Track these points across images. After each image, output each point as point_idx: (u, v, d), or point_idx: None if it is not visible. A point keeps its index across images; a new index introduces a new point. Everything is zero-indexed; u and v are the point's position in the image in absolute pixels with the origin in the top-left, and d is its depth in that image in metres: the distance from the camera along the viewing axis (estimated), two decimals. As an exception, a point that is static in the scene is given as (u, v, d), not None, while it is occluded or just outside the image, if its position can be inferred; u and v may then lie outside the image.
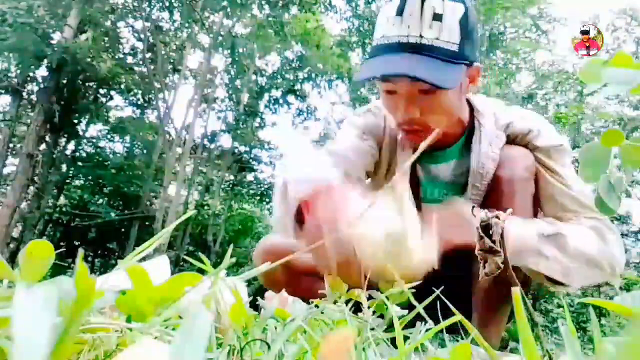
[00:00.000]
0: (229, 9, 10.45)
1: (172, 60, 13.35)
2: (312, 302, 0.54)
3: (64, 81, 10.42)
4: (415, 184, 1.09)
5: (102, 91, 12.54)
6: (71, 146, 12.88)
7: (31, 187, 10.50)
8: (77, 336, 0.29)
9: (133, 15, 12.05)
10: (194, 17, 11.52)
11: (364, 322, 0.46)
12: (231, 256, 0.38)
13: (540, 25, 10.88)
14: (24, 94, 11.18)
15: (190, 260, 0.46)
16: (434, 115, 0.92)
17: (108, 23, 11.63)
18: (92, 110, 12.06)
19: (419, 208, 0.65)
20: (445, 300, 0.43)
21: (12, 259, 8.01)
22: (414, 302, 0.47)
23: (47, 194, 11.36)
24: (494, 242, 0.77)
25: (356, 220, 0.57)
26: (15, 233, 10.67)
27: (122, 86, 12.30)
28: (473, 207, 0.88)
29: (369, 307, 0.49)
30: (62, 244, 11.48)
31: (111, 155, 13.63)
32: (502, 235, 0.71)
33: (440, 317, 0.45)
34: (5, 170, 11.41)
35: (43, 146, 10.91)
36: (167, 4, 11.32)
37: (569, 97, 10.36)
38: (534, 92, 10.19)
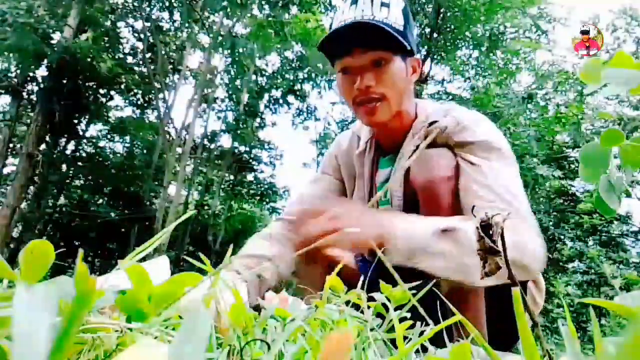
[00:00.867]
0: (229, 9, 10.44)
1: (172, 60, 13.36)
2: (312, 302, 0.54)
3: (64, 81, 10.42)
4: (374, 188, 1.16)
5: (102, 91, 12.54)
6: (71, 146, 12.89)
7: (31, 187, 10.50)
8: (77, 336, 0.29)
9: (133, 15, 12.05)
10: (194, 17, 11.52)
11: (364, 322, 0.46)
12: (231, 256, 0.38)
13: (540, 25, 10.87)
14: (24, 94, 11.18)
15: (190, 260, 0.46)
16: (386, 87, 0.99)
17: (108, 23, 11.63)
18: (92, 110, 12.06)
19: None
20: (446, 301, 0.43)
21: (12, 259, 8.00)
22: (414, 302, 0.47)
23: (47, 194, 11.36)
24: (494, 242, 0.78)
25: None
26: (15, 233, 10.67)
27: (122, 86, 12.31)
28: (473, 207, 0.88)
29: (368, 307, 0.49)
30: (62, 244, 11.48)
31: (111, 155, 13.64)
32: (502, 235, 0.71)
33: (440, 318, 0.45)
34: (5, 170, 11.42)
35: (43, 146, 10.92)
36: (167, 4, 11.32)
37: (569, 97, 10.36)
38: (534, 92, 10.18)
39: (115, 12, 11.64)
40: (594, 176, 0.54)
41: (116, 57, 11.94)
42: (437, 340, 0.44)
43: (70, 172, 12.70)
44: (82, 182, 13.16)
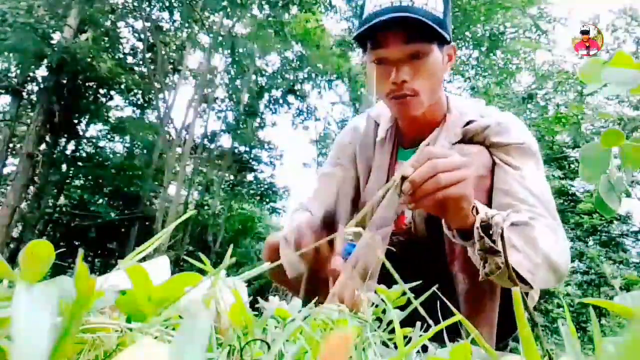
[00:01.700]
0: (229, 9, 10.45)
1: (172, 60, 13.36)
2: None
3: (64, 81, 10.42)
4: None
5: (102, 91, 12.54)
6: (71, 146, 12.89)
7: (31, 187, 10.50)
8: (77, 336, 0.29)
9: (133, 15, 12.06)
10: (194, 17, 11.52)
11: (364, 322, 0.46)
12: (231, 256, 0.38)
13: (540, 25, 10.88)
14: (24, 94, 11.18)
15: (190, 260, 0.45)
16: (422, 80, 0.96)
17: (108, 23, 11.63)
18: (92, 110, 12.06)
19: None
20: (445, 301, 0.43)
21: (12, 259, 8.00)
22: (414, 302, 0.47)
23: (47, 194, 11.36)
24: (494, 242, 0.77)
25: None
26: (15, 233, 10.67)
27: (122, 86, 12.30)
28: (473, 206, 0.87)
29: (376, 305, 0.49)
30: (62, 244, 11.48)
31: (111, 155, 13.64)
32: (502, 236, 0.71)
33: (440, 317, 0.45)
34: (5, 170, 11.42)
35: (43, 146, 10.92)
36: (167, 4, 11.32)
37: (569, 97, 10.36)
38: (534, 92, 10.18)
39: (115, 12, 11.64)
40: (594, 176, 0.54)
41: (116, 57, 11.94)
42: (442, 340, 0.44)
43: (70, 172, 12.70)
44: (82, 182, 13.15)
